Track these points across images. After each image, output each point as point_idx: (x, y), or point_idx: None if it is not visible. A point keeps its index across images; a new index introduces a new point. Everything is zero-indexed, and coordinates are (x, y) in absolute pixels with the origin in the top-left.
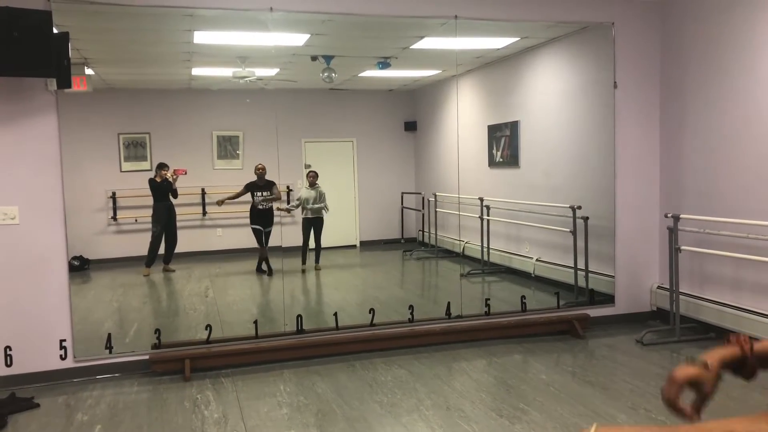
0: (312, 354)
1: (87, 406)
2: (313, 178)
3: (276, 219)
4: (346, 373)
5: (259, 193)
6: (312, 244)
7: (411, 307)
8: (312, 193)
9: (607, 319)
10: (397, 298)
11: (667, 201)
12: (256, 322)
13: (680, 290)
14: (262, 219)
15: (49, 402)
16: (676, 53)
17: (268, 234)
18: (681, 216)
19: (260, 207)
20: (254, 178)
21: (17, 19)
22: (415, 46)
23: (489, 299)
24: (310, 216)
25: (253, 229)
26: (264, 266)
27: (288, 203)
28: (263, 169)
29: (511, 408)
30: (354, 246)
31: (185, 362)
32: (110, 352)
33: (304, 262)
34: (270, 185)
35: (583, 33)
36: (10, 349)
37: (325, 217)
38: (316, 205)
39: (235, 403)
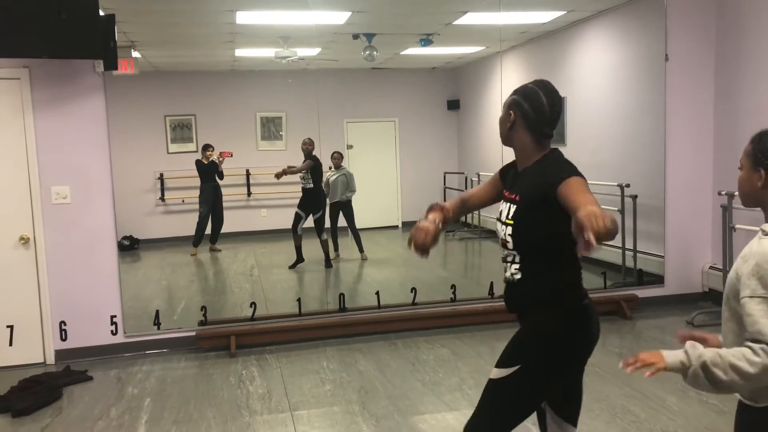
0: (354, 332)
1: (137, 380)
2: (337, 160)
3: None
4: (388, 351)
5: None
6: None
7: (453, 286)
8: (337, 177)
9: (656, 300)
10: (440, 278)
11: (720, 178)
12: (299, 300)
13: None
14: (304, 202)
15: (101, 375)
16: (733, 23)
17: (317, 222)
18: (736, 193)
19: (302, 186)
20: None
21: (65, 1)
22: (457, 22)
23: None
24: (336, 200)
25: (296, 213)
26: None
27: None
28: (310, 143)
29: None
30: (396, 227)
31: (231, 339)
32: (158, 329)
33: (336, 249)
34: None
35: (633, 4)
36: (65, 324)
37: (351, 200)
38: (345, 195)
39: (279, 379)
